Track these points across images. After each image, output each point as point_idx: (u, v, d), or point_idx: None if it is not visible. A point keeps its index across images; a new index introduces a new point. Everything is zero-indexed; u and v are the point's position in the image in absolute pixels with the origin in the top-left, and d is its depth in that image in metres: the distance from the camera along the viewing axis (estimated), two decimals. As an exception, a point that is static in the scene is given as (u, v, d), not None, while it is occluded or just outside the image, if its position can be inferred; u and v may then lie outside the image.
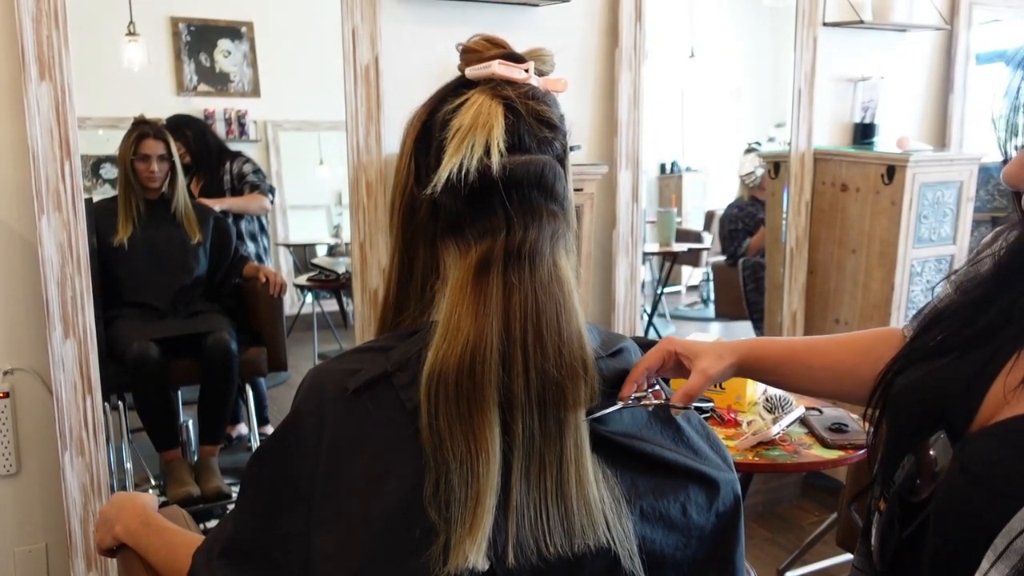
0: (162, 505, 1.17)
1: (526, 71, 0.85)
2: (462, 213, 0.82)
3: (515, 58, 0.85)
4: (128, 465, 2.47)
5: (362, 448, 0.81)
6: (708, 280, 4.13)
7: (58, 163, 1.90)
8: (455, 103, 0.83)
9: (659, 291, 3.87)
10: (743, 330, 3.52)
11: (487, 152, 0.79)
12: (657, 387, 0.96)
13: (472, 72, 0.85)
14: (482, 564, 0.76)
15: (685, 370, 1.01)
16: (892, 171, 2.73)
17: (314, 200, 3.47)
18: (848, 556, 2.16)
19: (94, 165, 2.88)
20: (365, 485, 0.79)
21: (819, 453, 1.70)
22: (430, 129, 0.85)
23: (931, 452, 0.80)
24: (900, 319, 2.80)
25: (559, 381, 0.79)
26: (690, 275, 4.21)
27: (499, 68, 0.83)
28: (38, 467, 2.08)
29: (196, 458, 2.61)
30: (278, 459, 0.85)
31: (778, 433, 1.72)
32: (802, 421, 1.81)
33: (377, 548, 0.78)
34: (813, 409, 1.85)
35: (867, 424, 0.91)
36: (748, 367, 1.03)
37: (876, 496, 0.87)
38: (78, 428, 1.98)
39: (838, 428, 1.75)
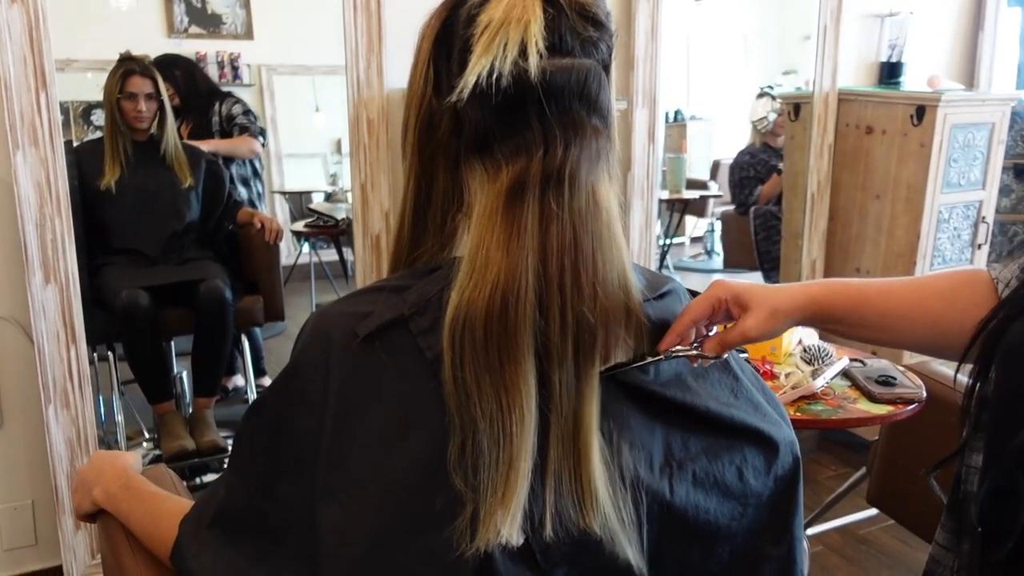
0: (152, 462, 1.06)
1: (566, -43, 0.71)
2: (491, 127, 0.69)
3: (553, -58, 0.71)
4: (120, 418, 2.39)
5: (374, 404, 0.70)
6: (712, 231, 4.04)
7: (33, 94, 1.76)
8: None
9: (667, 242, 3.76)
10: (753, 281, 3.41)
11: (523, 53, 0.66)
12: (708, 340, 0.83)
13: (502, -42, 0.71)
14: (516, 538, 0.65)
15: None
16: (922, 111, 2.59)
17: (310, 148, 3.38)
18: (872, 512, 2.08)
19: (84, 111, 2.78)
20: (378, 447, 0.69)
21: (865, 407, 1.58)
22: (452, 27, 0.72)
23: None
24: (926, 268, 2.68)
25: (594, 327, 0.68)
26: (695, 226, 4.12)
27: (535, -47, 0.69)
28: (22, 421, 1.99)
29: (191, 411, 2.53)
30: (277, 416, 0.74)
31: (821, 386, 1.60)
32: (845, 373, 1.69)
33: (392, 521, 0.67)
34: (856, 360, 1.73)
35: (968, 378, 0.77)
36: (811, 318, 0.88)
37: (977, 466, 0.75)
38: (62, 380, 1.87)
39: (885, 381, 1.63)
